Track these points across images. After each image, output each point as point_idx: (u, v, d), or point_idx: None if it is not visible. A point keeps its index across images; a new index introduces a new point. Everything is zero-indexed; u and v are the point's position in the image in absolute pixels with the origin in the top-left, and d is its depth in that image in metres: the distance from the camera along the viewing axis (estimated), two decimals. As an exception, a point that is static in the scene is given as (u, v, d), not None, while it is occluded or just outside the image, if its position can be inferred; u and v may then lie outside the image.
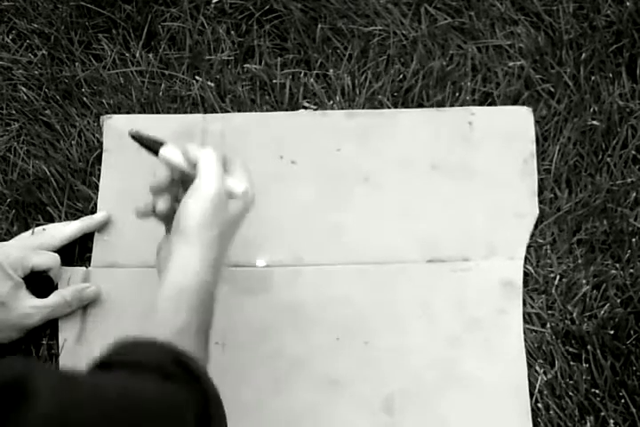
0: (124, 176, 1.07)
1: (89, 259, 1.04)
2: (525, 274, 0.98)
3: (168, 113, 1.10)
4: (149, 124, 1.09)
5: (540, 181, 1.02)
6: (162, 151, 0.88)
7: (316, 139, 1.07)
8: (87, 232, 1.04)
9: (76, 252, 1.04)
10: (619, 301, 0.95)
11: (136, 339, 0.75)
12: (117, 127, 1.09)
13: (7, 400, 0.56)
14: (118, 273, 1.03)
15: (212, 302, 0.83)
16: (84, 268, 1.03)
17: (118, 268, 1.03)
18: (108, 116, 1.10)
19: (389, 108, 1.08)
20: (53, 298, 0.98)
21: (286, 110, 1.09)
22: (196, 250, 0.82)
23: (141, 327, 0.79)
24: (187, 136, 1.08)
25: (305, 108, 1.09)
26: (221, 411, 0.75)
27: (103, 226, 1.04)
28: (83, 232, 1.03)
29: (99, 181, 1.07)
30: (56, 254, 1.00)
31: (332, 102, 1.08)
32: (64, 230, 1.02)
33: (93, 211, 1.06)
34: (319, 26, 1.13)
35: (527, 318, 0.96)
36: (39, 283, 0.99)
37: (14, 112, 1.12)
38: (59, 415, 0.58)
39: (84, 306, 1.00)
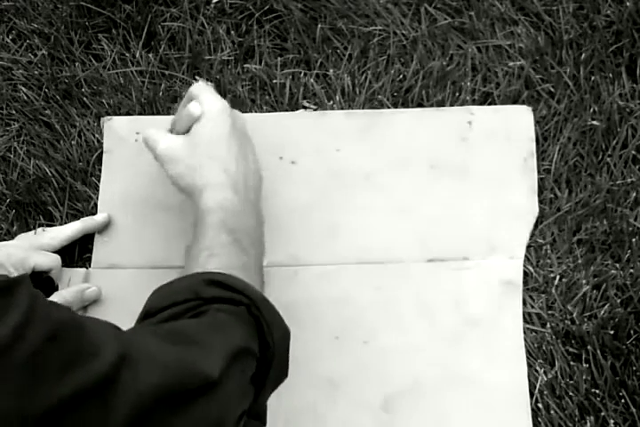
0: (124, 178, 1.07)
1: (88, 260, 1.04)
2: (525, 274, 0.98)
3: (168, 113, 1.10)
4: (149, 125, 1.09)
5: (540, 180, 1.02)
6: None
7: (316, 139, 1.07)
8: (88, 233, 1.04)
9: (76, 253, 1.04)
10: (619, 301, 0.95)
11: (168, 282, 0.80)
12: (118, 129, 1.09)
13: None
14: (118, 274, 1.03)
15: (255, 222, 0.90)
16: (84, 269, 1.03)
17: (118, 269, 1.03)
18: (109, 117, 1.10)
19: (389, 108, 1.08)
20: (55, 299, 0.98)
21: (286, 110, 1.09)
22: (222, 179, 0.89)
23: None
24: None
25: (305, 107, 1.09)
26: (273, 315, 0.78)
27: (104, 227, 1.04)
28: (83, 233, 1.03)
29: (98, 181, 1.07)
30: (57, 255, 1.00)
31: (331, 102, 1.08)
32: (65, 231, 1.02)
33: (93, 211, 1.06)
34: (319, 26, 1.13)
35: (527, 317, 0.96)
36: (39, 284, 0.99)
37: (14, 112, 1.12)
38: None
39: (84, 307, 1.00)
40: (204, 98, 0.94)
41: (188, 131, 0.93)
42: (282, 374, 0.79)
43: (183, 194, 0.93)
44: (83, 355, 0.61)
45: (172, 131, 0.95)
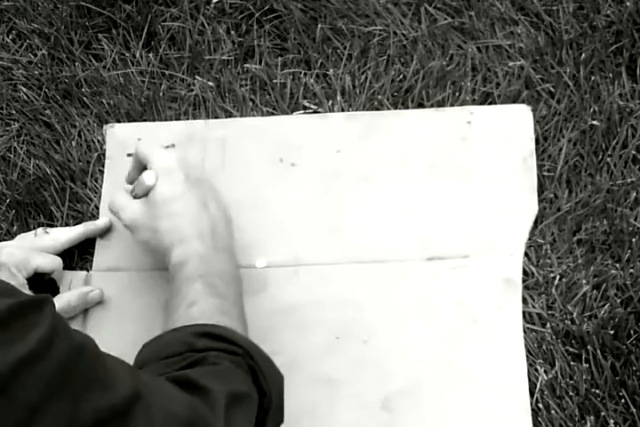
0: (125, 183, 1.07)
1: (89, 262, 1.04)
2: (525, 274, 0.98)
3: (168, 113, 1.10)
4: (151, 131, 1.09)
5: (540, 180, 1.02)
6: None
7: (316, 141, 1.07)
8: (89, 237, 1.04)
9: (76, 255, 1.04)
10: (619, 301, 0.95)
11: (156, 337, 0.81)
12: (120, 135, 1.10)
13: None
14: (119, 277, 1.03)
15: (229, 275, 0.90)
16: (85, 271, 1.03)
17: (119, 271, 1.03)
18: (111, 124, 1.10)
19: (389, 108, 1.08)
20: (57, 302, 0.97)
21: (286, 110, 1.09)
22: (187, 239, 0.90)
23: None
24: (188, 142, 1.08)
25: (305, 107, 1.09)
26: (267, 363, 0.79)
27: (105, 232, 1.05)
28: (85, 237, 1.04)
29: (98, 181, 1.07)
30: (58, 257, 1.00)
31: (331, 102, 1.08)
32: (67, 234, 1.03)
33: (93, 212, 1.06)
34: (319, 26, 1.13)
35: (527, 317, 0.96)
36: (42, 286, 0.99)
37: (14, 112, 1.13)
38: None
39: (85, 309, 1.00)
40: (152, 158, 0.94)
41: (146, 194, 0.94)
42: (278, 419, 0.80)
43: (156, 256, 0.95)
44: (101, 380, 0.62)
45: (133, 192, 0.96)
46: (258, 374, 0.77)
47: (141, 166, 0.96)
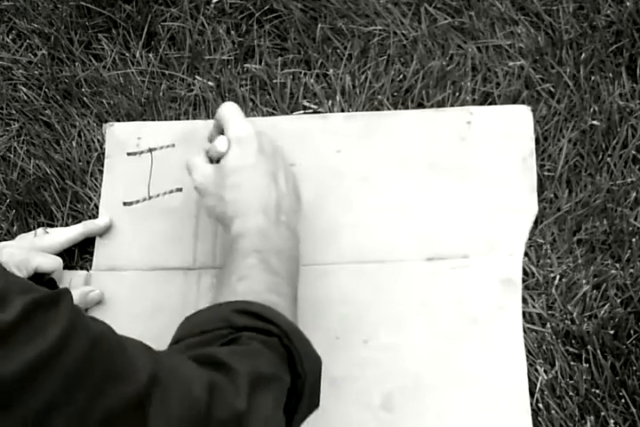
0: (125, 182, 1.07)
1: (88, 262, 1.04)
2: (525, 274, 0.98)
3: (169, 113, 1.10)
4: (151, 130, 1.09)
5: (540, 180, 1.02)
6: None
7: (316, 141, 1.07)
8: (89, 237, 1.04)
9: (76, 255, 1.04)
10: (619, 301, 0.95)
11: (198, 311, 0.80)
12: (119, 134, 1.10)
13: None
14: (119, 276, 1.03)
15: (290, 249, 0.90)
16: (85, 271, 1.03)
17: (119, 271, 1.03)
18: (110, 123, 1.10)
19: (389, 107, 1.08)
20: None
21: (286, 110, 1.09)
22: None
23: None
24: (187, 142, 1.08)
25: (305, 107, 1.09)
26: (305, 345, 0.78)
27: (105, 231, 1.05)
28: (85, 236, 1.04)
29: (98, 181, 1.07)
30: (59, 257, 1.00)
31: (331, 102, 1.08)
32: (66, 234, 1.03)
33: (93, 211, 1.06)
34: (319, 26, 1.13)
35: (527, 317, 0.96)
36: (42, 286, 0.98)
37: (14, 112, 1.13)
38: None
39: (85, 309, 1.00)
40: (229, 126, 0.94)
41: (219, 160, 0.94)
42: (313, 403, 0.79)
43: (219, 224, 0.94)
44: (118, 371, 0.62)
45: (207, 153, 0.95)
46: (294, 356, 0.76)
47: (220, 128, 0.96)
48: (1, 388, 0.55)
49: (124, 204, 1.06)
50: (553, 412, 0.91)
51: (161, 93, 1.11)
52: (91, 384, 0.59)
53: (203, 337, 0.75)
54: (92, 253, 1.04)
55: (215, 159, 0.94)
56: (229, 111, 0.96)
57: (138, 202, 1.06)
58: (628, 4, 1.10)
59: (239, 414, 0.68)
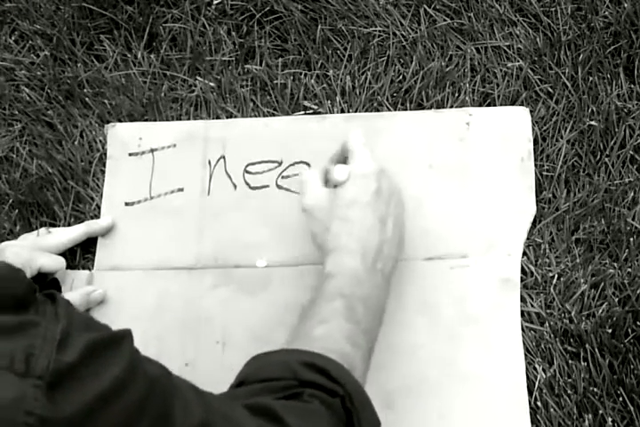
0: (127, 183, 1.08)
1: (90, 261, 1.04)
2: (524, 273, 0.98)
3: (170, 113, 1.11)
4: (152, 131, 1.10)
5: (539, 180, 1.03)
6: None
7: (316, 142, 1.07)
8: (91, 236, 1.05)
9: (78, 255, 1.05)
10: (617, 300, 0.96)
11: (267, 353, 0.78)
12: (121, 135, 1.10)
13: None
14: (121, 276, 1.03)
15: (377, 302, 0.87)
16: (87, 271, 1.03)
17: (121, 271, 1.04)
18: (112, 124, 1.11)
19: (389, 108, 1.08)
20: None
21: (287, 111, 1.10)
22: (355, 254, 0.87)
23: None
24: (188, 142, 1.08)
25: (305, 108, 1.10)
26: (366, 410, 0.75)
27: (107, 231, 1.05)
28: (87, 236, 1.04)
29: (100, 181, 1.08)
30: (61, 257, 1.01)
31: (331, 103, 1.09)
32: (69, 234, 1.03)
33: (95, 211, 1.06)
34: (319, 27, 1.14)
35: (526, 316, 0.96)
36: (45, 286, 0.99)
37: (17, 112, 1.13)
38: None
39: (87, 309, 1.01)
40: (355, 158, 0.93)
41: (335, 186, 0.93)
42: None
43: (317, 251, 0.92)
44: (171, 416, 0.62)
45: (326, 174, 0.94)
46: (353, 420, 0.74)
47: (345, 154, 0.95)
48: None
49: (126, 204, 1.07)
50: (551, 410, 0.91)
51: (162, 94, 1.12)
52: (144, 426, 0.59)
53: (265, 385, 0.74)
54: (94, 253, 1.05)
55: (331, 184, 0.93)
56: (358, 143, 0.94)
57: (139, 202, 1.06)
58: (625, 5, 1.10)
59: None
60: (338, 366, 0.75)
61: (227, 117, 1.10)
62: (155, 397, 0.60)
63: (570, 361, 0.93)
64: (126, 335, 0.62)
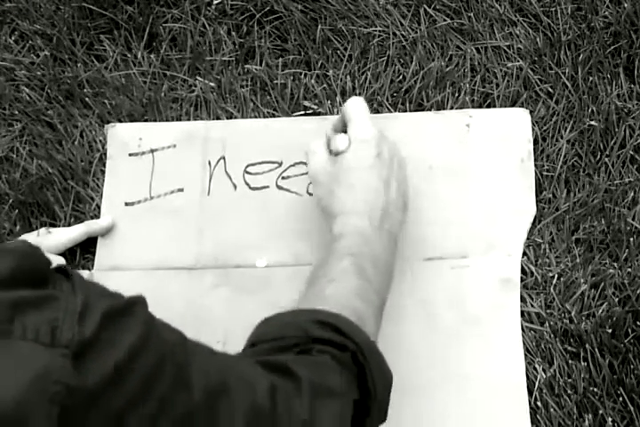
0: (127, 183, 1.08)
1: (90, 261, 1.04)
2: (524, 273, 0.99)
3: (170, 113, 1.11)
4: (152, 131, 1.10)
5: (539, 181, 1.03)
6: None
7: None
8: (91, 236, 1.05)
9: (78, 254, 1.05)
10: (617, 300, 0.96)
11: (278, 313, 0.79)
12: (121, 135, 1.10)
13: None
14: (121, 276, 1.03)
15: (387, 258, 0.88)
16: (87, 271, 1.03)
17: (121, 270, 1.04)
18: (112, 124, 1.11)
19: (389, 108, 1.08)
20: None
21: (287, 111, 1.10)
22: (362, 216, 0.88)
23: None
24: (188, 143, 1.08)
25: (306, 108, 1.10)
26: (378, 363, 0.76)
27: (107, 231, 1.05)
28: (87, 236, 1.04)
29: (100, 181, 1.08)
30: (62, 258, 1.01)
31: (331, 103, 1.09)
32: (69, 234, 1.03)
33: (95, 211, 1.06)
34: (319, 27, 1.14)
35: (526, 316, 0.97)
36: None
37: (17, 112, 1.13)
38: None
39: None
40: (353, 125, 0.93)
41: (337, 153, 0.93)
42: (379, 420, 0.78)
43: (322, 216, 0.93)
44: (188, 378, 0.63)
45: (329, 143, 0.94)
46: (366, 373, 0.74)
47: (345, 122, 0.95)
48: (83, 397, 0.55)
49: (126, 204, 1.07)
50: (551, 410, 0.91)
51: (162, 94, 1.12)
52: (159, 393, 0.60)
53: (275, 343, 0.75)
54: (94, 253, 1.05)
55: (333, 152, 0.93)
56: (355, 109, 0.94)
57: (139, 202, 1.06)
58: (625, 5, 1.10)
59: (302, 422, 0.68)
60: (348, 322, 0.76)
61: (227, 117, 1.10)
62: (169, 361, 0.61)
63: (570, 361, 0.93)
64: (139, 302, 0.64)
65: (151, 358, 0.60)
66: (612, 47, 1.09)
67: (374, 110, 1.08)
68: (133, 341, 0.59)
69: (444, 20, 1.13)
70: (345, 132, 0.94)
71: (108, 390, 0.57)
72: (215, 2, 1.17)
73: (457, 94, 1.08)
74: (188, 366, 0.63)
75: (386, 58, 1.12)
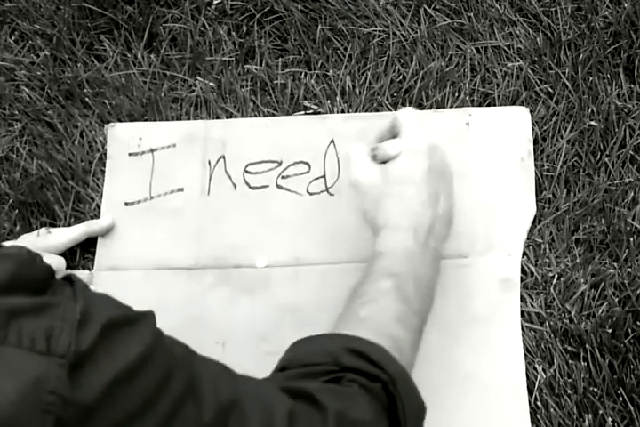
0: (127, 183, 1.08)
1: (90, 261, 1.04)
2: (524, 273, 0.98)
3: (170, 113, 1.11)
4: (152, 130, 1.10)
5: (539, 180, 1.03)
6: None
7: (316, 142, 1.07)
8: (91, 236, 1.05)
9: (78, 254, 1.05)
10: (617, 300, 0.96)
11: (310, 337, 0.77)
12: (121, 135, 1.10)
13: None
14: (121, 276, 1.03)
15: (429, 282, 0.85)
16: (87, 271, 1.03)
17: (121, 270, 1.04)
18: (112, 124, 1.11)
19: (389, 108, 1.08)
20: None
21: (287, 111, 1.10)
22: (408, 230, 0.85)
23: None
24: (188, 142, 1.08)
25: (306, 108, 1.10)
26: (410, 394, 0.73)
27: (107, 231, 1.05)
28: (87, 236, 1.04)
29: (100, 181, 1.08)
30: (62, 258, 1.01)
31: (331, 103, 1.09)
32: (69, 234, 1.03)
33: (95, 211, 1.06)
34: (319, 27, 1.14)
35: (526, 316, 0.96)
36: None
37: (17, 112, 1.13)
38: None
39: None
40: (405, 133, 0.90)
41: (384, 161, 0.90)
42: None
43: (368, 227, 0.90)
44: (196, 394, 0.62)
45: (373, 151, 0.90)
46: (397, 404, 0.72)
47: (394, 131, 0.91)
48: (80, 410, 0.55)
49: (126, 204, 1.07)
50: (551, 410, 0.91)
51: (162, 94, 1.12)
52: (167, 405, 0.59)
53: (304, 370, 0.73)
54: (94, 253, 1.05)
55: (379, 160, 0.89)
56: (408, 119, 0.91)
57: (139, 202, 1.07)
58: (625, 5, 1.10)
59: None
60: (381, 351, 0.74)
61: (227, 117, 1.10)
62: (176, 377, 0.60)
63: (570, 361, 0.93)
64: (146, 316, 0.62)
65: (157, 372, 0.59)
66: (612, 47, 1.09)
67: (374, 110, 1.08)
68: (136, 354, 0.58)
69: (444, 20, 1.13)
70: None
71: (107, 403, 0.56)
72: (215, 2, 1.17)
73: (457, 94, 1.08)
74: (199, 382, 0.62)
75: (386, 58, 1.12)
